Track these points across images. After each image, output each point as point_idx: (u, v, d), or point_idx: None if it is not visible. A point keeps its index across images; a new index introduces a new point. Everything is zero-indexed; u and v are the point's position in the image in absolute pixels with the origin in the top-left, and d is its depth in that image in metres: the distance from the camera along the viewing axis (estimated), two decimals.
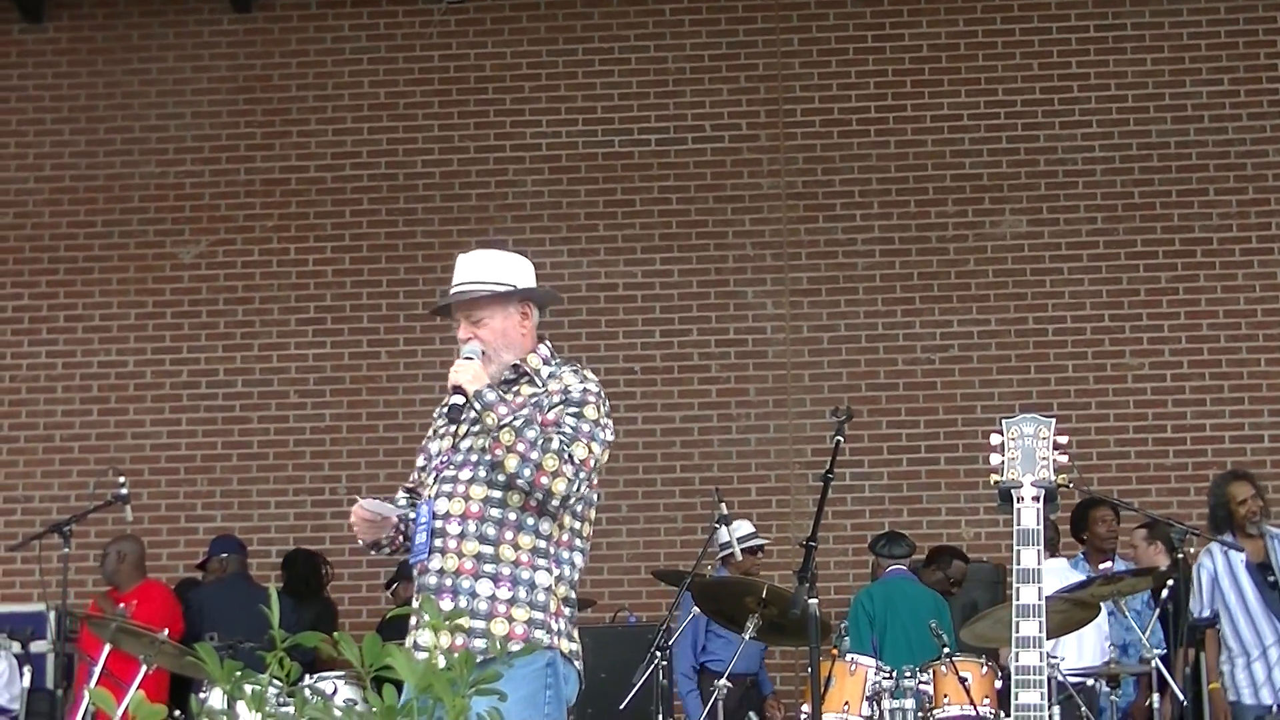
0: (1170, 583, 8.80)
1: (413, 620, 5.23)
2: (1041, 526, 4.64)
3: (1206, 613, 8.91)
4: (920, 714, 7.93)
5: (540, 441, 5.06)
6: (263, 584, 10.78)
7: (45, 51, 12.95)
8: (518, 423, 5.07)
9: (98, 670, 8.27)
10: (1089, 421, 11.90)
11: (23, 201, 12.76)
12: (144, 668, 8.04)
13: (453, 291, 5.39)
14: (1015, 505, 4.70)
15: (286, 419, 12.38)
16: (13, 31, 12.96)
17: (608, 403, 5.30)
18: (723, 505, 9.29)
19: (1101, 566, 9.89)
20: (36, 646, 9.82)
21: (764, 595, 7.92)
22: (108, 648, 8.30)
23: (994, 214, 12.31)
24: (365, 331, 12.39)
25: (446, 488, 5.19)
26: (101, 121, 12.83)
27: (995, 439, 4.77)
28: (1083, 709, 8.34)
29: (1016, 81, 12.40)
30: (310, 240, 12.57)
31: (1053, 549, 9.80)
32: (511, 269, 5.41)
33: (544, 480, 5.04)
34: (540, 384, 5.27)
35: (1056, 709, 7.90)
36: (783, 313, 12.29)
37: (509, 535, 5.13)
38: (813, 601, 6.57)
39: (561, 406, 5.18)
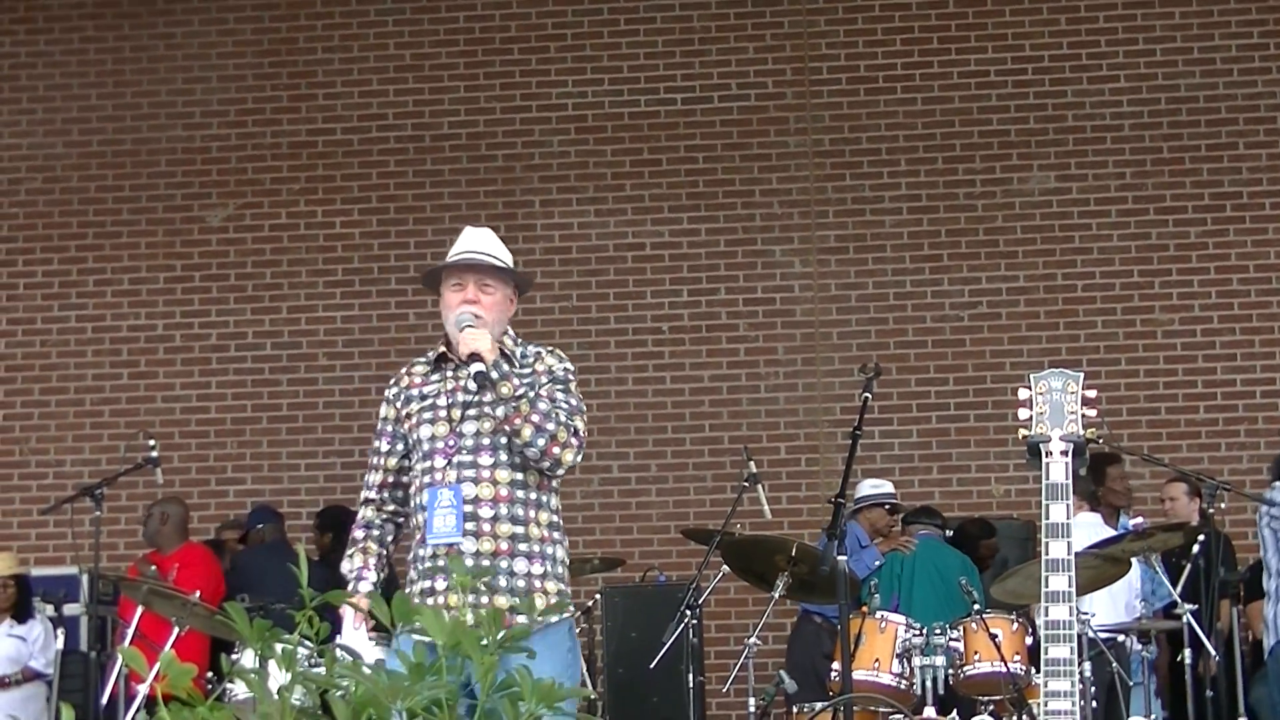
0: (1201, 538, 8.79)
1: (425, 586, 5.30)
2: (1070, 481, 4.64)
3: None
4: (951, 671, 7.93)
5: (551, 413, 5.26)
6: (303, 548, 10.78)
7: (71, 16, 12.96)
8: (530, 394, 5.28)
9: (130, 632, 8.31)
10: (1119, 377, 11.87)
11: (51, 166, 12.79)
12: (176, 629, 8.06)
13: (477, 254, 5.57)
14: (1044, 460, 4.69)
15: (315, 381, 12.41)
16: None
17: None
18: (751, 464, 9.32)
19: (1133, 522, 9.88)
20: (70, 609, 9.85)
21: (794, 553, 7.92)
22: (140, 610, 8.33)
23: (1022, 170, 12.26)
24: (393, 293, 12.40)
25: (469, 473, 5.30)
26: (128, 86, 12.84)
27: (1023, 394, 4.76)
28: (1113, 664, 8.34)
29: (1044, 36, 12.33)
30: (337, 203, 12.58)
31: (1092, 502, 9.78)
32: (508, 254, 5.69)
33: (555, 450, 5.26)
34: (517, 363, 5.44)
35: (1088, 664, 7.91)
36: (810, 270, 12.27)
37: (533, 514, 5.34)
38: (842, 559, 6.57)
39: (550, 384, 5.38)
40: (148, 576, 8.69)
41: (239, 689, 6.62)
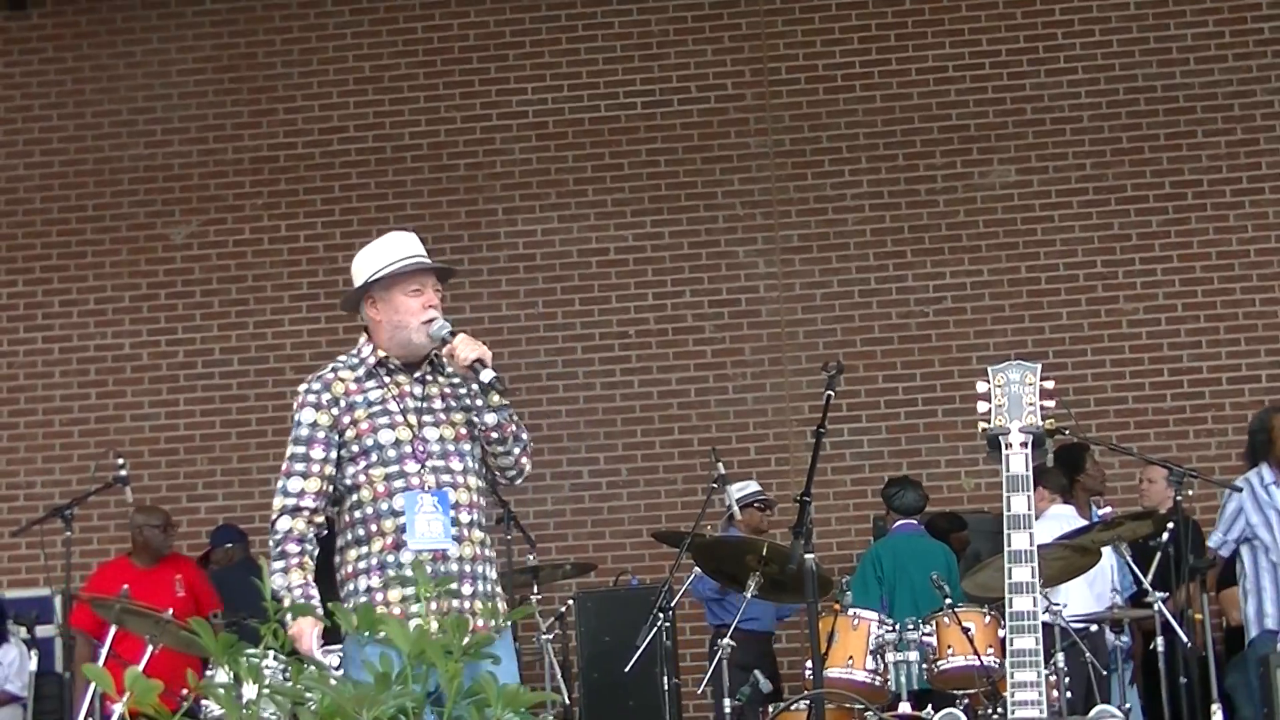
0: (1170, 525, 8.81)
1: (408, 593, 5.22)
2: (1030, 472, 4.66)
3: (1231, 539, 8.87)
4: (925, 665, 7.96)
5: (520, 423, 5.42)
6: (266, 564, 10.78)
7: (30, 38, 12.93)
8: (508, 401, 5.37)
9: (104, 651, 8.30)
10: (1085, 368, 11.92)
11: (13, 188, 12.76)
12: (150, 647, 8.06)
13: (425, 259, 5.52)
14: (1004, 452, 4.71)
15: (284, 395, 12.36)
16: None
17: None
18: (720, 465, 9.35)
19: (1102, 511, 9.91)
20: (43, 631, 9.85)
21: (764, 553, 7.94)
22: (114, 629, 8.32)
23: (983, 164, 12.29)
24: None
25: (446, 478, 5.30)
26: (88, 105, 12.82)
27: (982, 386, 4.78)
28: (1086, 654, 8.37)
29: (1000, 30, 12.37)
30: (301, 216, 12.57)
31: (1065, 495, 9.81)
32: None
33: (524, 460, 5.42)
34: (446, 372, 5.49)
35: (1060, 655, 7.94)
36: (775, 271, 12.29)
37: (487, 522, 5.41)
38: (809, 556, 6.60)
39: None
40: (121, 596, 8.65)
41: (215, 706, 6.62)
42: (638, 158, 12.46)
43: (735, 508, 9.55)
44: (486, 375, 5.23)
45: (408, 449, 5.30)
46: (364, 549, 5.30)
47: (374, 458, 5.31)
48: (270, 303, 12.48)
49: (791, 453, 11.90)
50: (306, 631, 5.05)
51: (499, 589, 5.40)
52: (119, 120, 12.77)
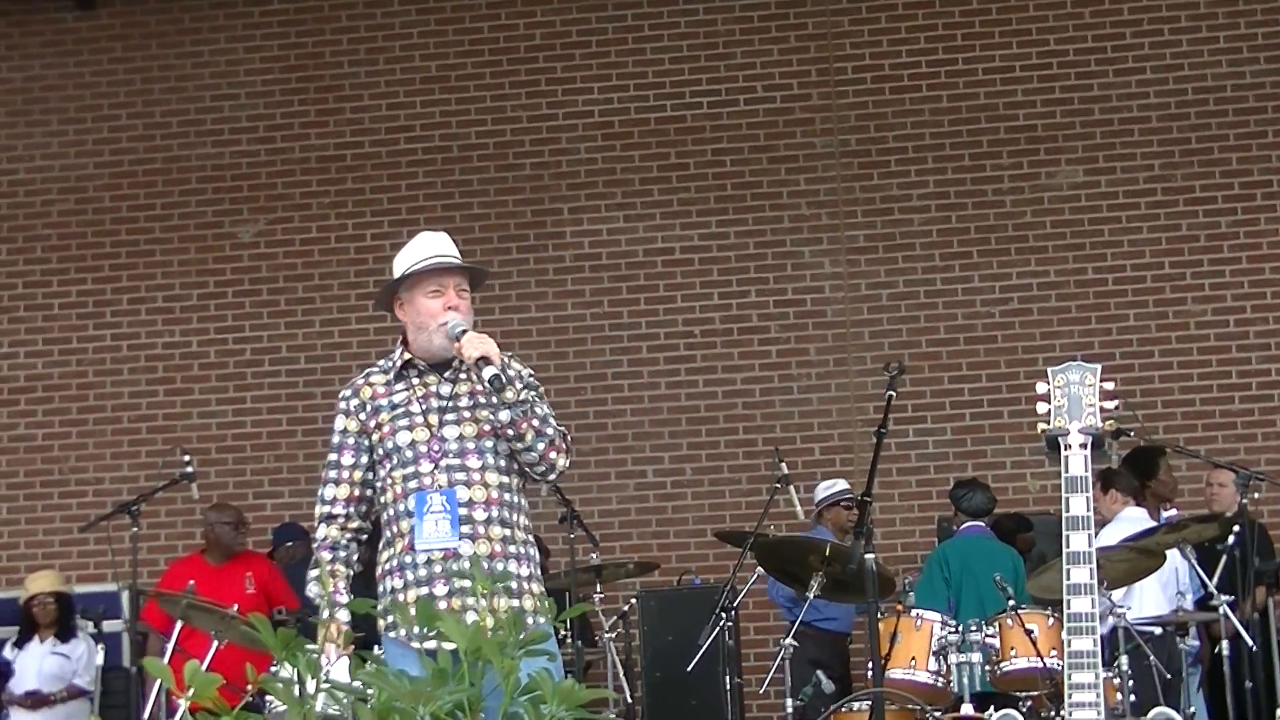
0: (1236, 528, 8.74)
1: (423, 593, 5.22)
2: (1089, 474, 4.63)
3: None
4: (987, 667, 7.93)
5: (548, 418, 5.31)
6: None
7: (99, 38, 13.04)
8: (531, 395, 5.30)
9: (170, 647, 8.36)
10: (1152, 370, 11.84)
11: (83, 187, 12.87)
12: (215, 643, 8.11)
13: (449, 257, 5.48)
14: (1063, 453, 4.69)
15: None
16: (67, 19, 13.06)
17: None
18: (783, 465, 9.34)
19: (1167, 514, 9.83)
20: (110, 626, 9.92)
21: (827, 553, 7.92)
22: (180, 624, 8.38)
23: (1050, 165, 12.23)
24: None
25: (460, 476, 5.26)
26: (157, 105, 12.92)
27: (1041, 387, 4.76)
28: (1151, 658, 8.31)
29: (1068, 30, 12.30)
30: (367, 215, 12.63)
31: (1138, 497, 9.74)
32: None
33: (552, 455, 5.30)
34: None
35: (1125, 658, 7.89)
36: (840, 271, 12.27)
37: (517, 517, 5.34)
38: (869, 556, 6.59)
39: (525, 390, 5.36)
40: (186, 591, 8.72)
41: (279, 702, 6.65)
42: (703, 157, 12.46)
43: (799, 508, 9.53)
44: (487, 373, 5.18)
45: (423, 449, 5.29)
46: (390, 550, 5.33)
47: (394, 460, 5.32)
48: (337, 300, 12.55)
49: (856, 453, 11.87)
50: (327, 647, 5.04)
51: (532, 586, 5.30)
52: (187, 119, 12.87)
